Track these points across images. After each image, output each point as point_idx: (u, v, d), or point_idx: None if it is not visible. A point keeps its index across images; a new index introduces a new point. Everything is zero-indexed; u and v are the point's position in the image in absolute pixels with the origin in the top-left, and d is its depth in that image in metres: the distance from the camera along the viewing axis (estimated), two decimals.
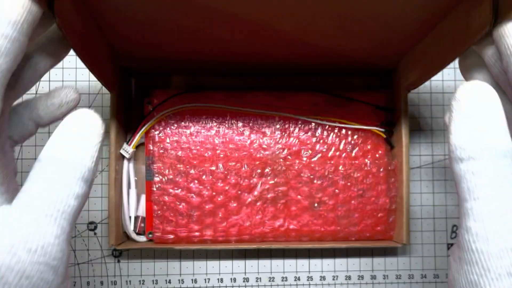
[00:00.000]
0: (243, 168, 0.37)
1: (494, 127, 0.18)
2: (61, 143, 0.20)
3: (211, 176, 0.37)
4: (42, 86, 0.40)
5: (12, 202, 0.19)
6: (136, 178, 0.38)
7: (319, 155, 0.37)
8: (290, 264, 0.40)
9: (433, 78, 0.42)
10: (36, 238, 0.18)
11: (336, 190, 0.37)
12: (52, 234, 0.18)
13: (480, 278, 0.18)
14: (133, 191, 0.38)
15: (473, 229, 0.18)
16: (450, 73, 0.42)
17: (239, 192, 0.37)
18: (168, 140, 0.37)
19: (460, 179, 0.18)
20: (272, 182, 0.37)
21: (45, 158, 0.20)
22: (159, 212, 0.36)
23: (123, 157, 0.37)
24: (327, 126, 0.38)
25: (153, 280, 0.39)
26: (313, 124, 0.37)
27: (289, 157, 0.37)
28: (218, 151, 0.37)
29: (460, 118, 0.19)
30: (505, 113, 0.18)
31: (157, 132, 0.37)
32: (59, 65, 0.40)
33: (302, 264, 0.40)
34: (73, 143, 0.20)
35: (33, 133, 0.25)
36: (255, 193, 0.37)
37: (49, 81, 0.40)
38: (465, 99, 0.19)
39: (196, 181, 0.37)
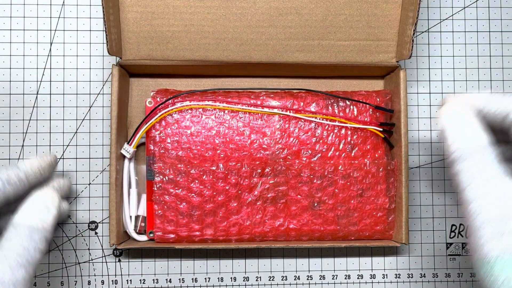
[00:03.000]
0: (243, 168, 0.37)
1: (472, 130, 0.25)
2: (32, 213, 0.28)
3: (211, 176, 0.37)
4: (44, 86, 0.40)
5: None
6: (136, 178, 0.38)
7: (319, 155, 0.38)
8: (290, 263, 0.40)
9: (432, 79, 0.42)
10: (9, 278, 0.25)
11: (336, 190, 0.37)
12: (21, 276, 0.26)
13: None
14: (133, 190, 0.38)
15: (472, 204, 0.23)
16: (449, 73, 0.42)
17: (239, 191, 0.37)
18: (168, 140, 0.37)
19: (457, 174, 0.24)
20: (272, 181, 0.37)
21: (19, 224, 0.27)
22: (159, 211, 0.37)
23: (124, 157, 0.37)
24: (327, 126, 0.38)
25: (153, 279, 0.39)
26: (313, 124, 0.38)
27: (289, 157, 0.37)
28: (218, 151, 0.37)
29: (447, 132, 0.26)
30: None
31: (157, 132, 0.37)
32: (61, 65, 0.40)
33: (302, 263, 0.40)
34: (41, 215, 0.28)
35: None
36: (255, 192, 0.37)
37: (50, 81, 0.40)
38: (444, 118, 0.26)
39: (196, 181, 0.37)
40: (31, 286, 0.28)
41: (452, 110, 0.26)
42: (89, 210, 0.39)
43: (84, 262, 0.39)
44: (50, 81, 0.40)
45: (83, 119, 0.40)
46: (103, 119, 0.40)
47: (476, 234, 0.22)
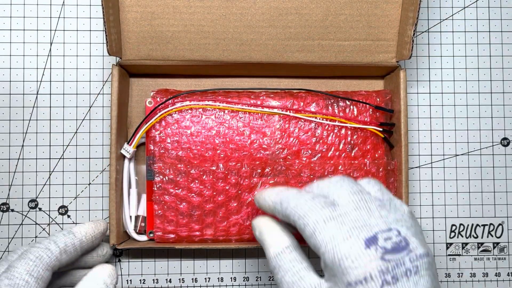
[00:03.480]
0: (244, 168, 0.37)
1: (274, 238, 0.28)
2: None
3: (211, 176, 0.37)
4: (44, 86, 0.40)
5: None
6: (136, 178, 0.38)
7: (319, 155, 0.38)
8: None
9: (432, 79, 0.42)
10: None
11: None
12: None
13: None
14: (133, 190, 0.38)
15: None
16: (449, 73, 0.42)
17: (239, 191, 0.37)
18: (168, 140, 0.37)
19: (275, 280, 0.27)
20: (272, 181, 0.37)
21: None
22: (159, 211, 0.37)
23: (124, 157, 0.37)
24: (327, 126, 0.38)
25: (153, 279, 0.39)
26: (313, 124, 0.38)
27: (289, 157, 0.37)
28: (218, 151, 0.37)
29: (260, 241, 0.29)
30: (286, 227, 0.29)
31: (157, 132, 0.37)
32: (60, 65, 0.40)
33: None
34: None
35: None
36: (255, 192, 0.37)
37: (50, 81, 0.40)
38: (255, 229, 0.30)
39: (196, 181, 0.37)
40: None
41: (259, 221, 0.30)
42: (89, 210, 0.39)
43: None
44: (50, 81, 0.40)
45: (83, 119, 0.40)
46: (103, 119, 0.40)
47: None
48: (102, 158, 0.40)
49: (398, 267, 0.23)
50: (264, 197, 0.30)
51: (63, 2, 0.40)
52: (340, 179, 0.27)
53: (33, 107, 0.40)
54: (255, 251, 0.40)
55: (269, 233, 0.28)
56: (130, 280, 0.39)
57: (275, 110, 0.37)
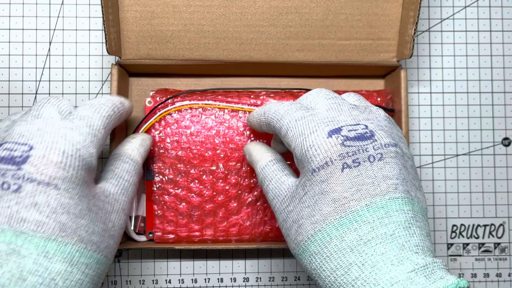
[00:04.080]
0: (244, 168, 0.37)
1: (260, 155, 0.31)
2: (141, 150, 0.32)
3: (211, 176, 0.37)
4: (43, 86, 0.40)
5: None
6: None
7: None
8: (290, 263, 0.40)
9: (433, 78, 0.42)
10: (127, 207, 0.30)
11: None
12: (129, 210, 0.30)
13: None
14: None
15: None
16: (450, 73, 0.42)
17: (239, 191, 0.37)
18: (168, 140, 0.37)
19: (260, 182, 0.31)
20: None
21: (122, 153, 0.31)
22: (159, 212, 0.36)
23: None
24: None
25: (153, 280, 0.39)
26: None
27: None
28: (218, 151, 0.37)
29: (249, 160, 0.33)
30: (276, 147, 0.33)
31: (157, 132, 0.37)
32: (60, 65, 0.40)
33: None
34: (140, 151, 0.32)
35: None
36: (255, 192, 0.37)
37: (49, 81, 0.40)
38: (245, 149, 0.34)
39: (196, 181, 0.37)
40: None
41: (249, 146, 0.33)
42: None
43: None
44: (49, 80, 0.40)
45: None
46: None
47: (283, 231, 0.27)
48: (102, 158, 0.40)
49: (360, 152, 0.24)
50: (253, 114, 0.32)
51: (62, 1, 0.40)
52: (318, 90, 0.29)
53: None
54: (255, 251, 0.40)
55: (257, 152, 0.32)
56: (130, 281, 0.39)
57: None
